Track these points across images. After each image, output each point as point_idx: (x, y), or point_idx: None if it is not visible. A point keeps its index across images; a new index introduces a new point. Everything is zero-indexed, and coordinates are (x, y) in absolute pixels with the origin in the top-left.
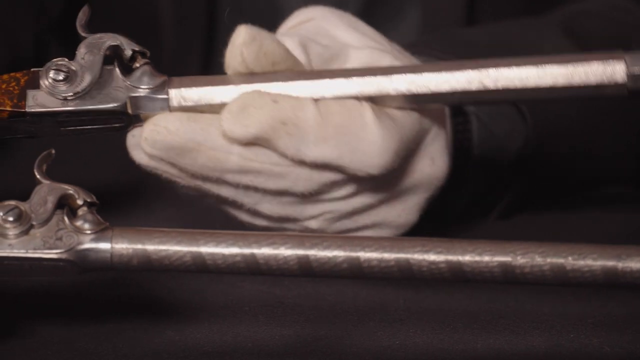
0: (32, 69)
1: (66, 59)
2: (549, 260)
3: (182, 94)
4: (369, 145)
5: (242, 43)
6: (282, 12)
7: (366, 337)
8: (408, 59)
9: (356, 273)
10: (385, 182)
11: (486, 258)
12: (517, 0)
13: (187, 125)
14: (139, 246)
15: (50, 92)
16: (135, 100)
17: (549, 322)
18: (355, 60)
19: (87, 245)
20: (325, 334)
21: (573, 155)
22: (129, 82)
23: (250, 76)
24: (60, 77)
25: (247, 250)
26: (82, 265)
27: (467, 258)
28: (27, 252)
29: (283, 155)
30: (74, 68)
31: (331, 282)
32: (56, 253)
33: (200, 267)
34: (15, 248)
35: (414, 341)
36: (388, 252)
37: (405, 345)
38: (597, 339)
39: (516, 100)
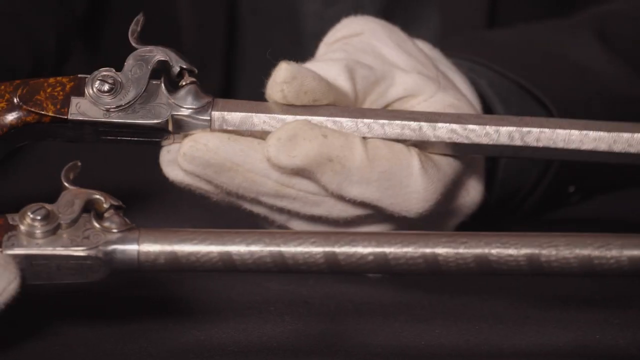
0: (78, 75)
1: (113, 70)
2: (576, 251)
3: (225, 117)
4: (412, 193)
5: (283, 81)
6: (301, 15)
7: (392, 338)
8: (451, 84)
9: (383, 268)
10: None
11: (512, 250)
12: (538, 5)
13: (227, 144)
14: (166, 245)
15: (94, 102)
16: (177, 119)
17: (575, 323)
18: (400, 85)
19: (114, 245)
20: (350, 334)
21: None
22: (173, 100)
23: (294, 107)
24: (105, 88)
25: (274, 248)
26: (109, 265)
27: (493, 250)
28: (54, 250)
29: (323, 188)
30: (119, 80)
31: (357, 282)
32: (83, 250)
33: (228, 266)
34: (42, 246)
35: (439, 342)
36: (414, 246)
37: (431, 346)
38: (624, 340)
39: (555, 159)
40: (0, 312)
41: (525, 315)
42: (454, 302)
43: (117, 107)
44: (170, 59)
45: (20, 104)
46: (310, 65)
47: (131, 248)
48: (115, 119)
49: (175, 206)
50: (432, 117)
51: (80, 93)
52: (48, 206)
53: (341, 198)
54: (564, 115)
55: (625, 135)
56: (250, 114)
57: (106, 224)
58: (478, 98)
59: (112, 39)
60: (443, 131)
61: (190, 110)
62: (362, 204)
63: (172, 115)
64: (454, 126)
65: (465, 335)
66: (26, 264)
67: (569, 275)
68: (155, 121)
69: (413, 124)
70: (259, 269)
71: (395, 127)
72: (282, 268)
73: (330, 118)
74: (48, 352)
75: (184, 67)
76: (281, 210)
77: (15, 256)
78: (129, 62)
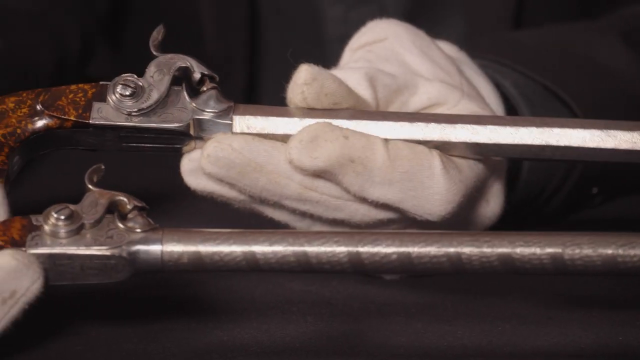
0: (100, 82)
1: (135, 76)
2: (599, 249)
3: (247, 122)
4: (434, 195)
5: (303, 83)
6: (323, 19)
7: (414, 338)
8: (475, 91)
9: (406, 267)
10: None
11: (536, 249)
12: (564, 8)
13: (251, 144)
14: (190, 245)
15: (116, 107)
16: (199, 123)
17: (598, 324)
18: (424, 94)
19: (138, 245)
20: (373, 334)
21: None
22: (194, 105)
23: (314, 111)
24: (127, 92)
25: (298, 248)
26: (132, 264)
27: (517, 249)
28: (78, 249)
29: (346, 190)
30: (141, 84)
31: (379, 283)
32: (107, 249)
33: (252, 265)
34: (66, 245)
35: (462, 342)
36: (438, 245)
37: (453, 347)
38: None
39: (576, 159)
40: (24, 311)
41: (547, 316)
42: (476, 303)
43: (139, 110)
44: (191, 66)
45: (42, 109)
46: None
47: (155, 248)
48: (137, 122)
49: (196, 209)
50: (453, 119)
51: (102, 99)
52: (72, 206)
53: (363, 200)
54: (589, 117)
55: None
56: (272, 117)
57: (130, 224)
58: (502, 102)
59: (134, 40)
60: (464, 131)
61: (212, 114)
62: (384, 206)
63: (194, 119)
64: (475, 126)
65: (488, 336)
66: (50, 264)
67: (592, 274)
68: (176, 124)
69: (434, 124)
70: (283, 268)
71: (416, 128)
72: (306, 267)
73: (351, 120)
74: (70, 352)
75: (205, 73)
76: (303, 215)
77: (38, 255)
78: (151, 68)
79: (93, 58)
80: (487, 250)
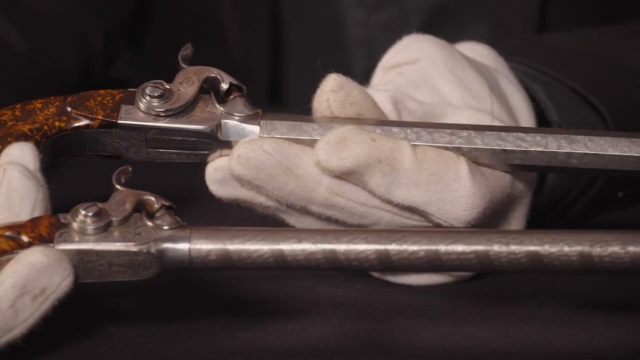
0: (128, 89)
1: (164, 81)
2: (628, 247)
3: (274, 126)
4: (459, 198)
5: (330, 90)
6: (345, 22)
7: (439, 341)
8: (505, 109)
9: (435, 264)
10: None
11: (564, 246)
12: (590, 13)
13: (282, 146)
14: (218, 243)
15: (144, 109)
16: (226, 126)
17: (623, 326)
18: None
19: (166, 242)
20: (397, 336)
21: None
22: (222, 109)
23: (339, 119)
24: (157, 94)
25: (327, 245)
26: (160, 261)
27: (545, 246)
28: (106, 245)
29: (371, 192)
30: (169, 88)
31: (404, 286)
32: (135, 245)
33: (280, 263)
34: (94, 242)
35: (486, 344)
36: (466, 242)
37: (478, 349)
38: None
39: (604, 170)
40: (53, 309)
41: (572, 319)
42: (501, 306)
43: (166, 111)
44: (220, 76)
45: (70, 109)
46: None
47: (182, 245)
48: (165, 123)
49: (223, 210)
50: (480, 127)
51: (130, 102)
52: (100, 204)
53: (389, 203)
54: (619, 122)
55: None
56: (298, 122)
57: (157, 222)
58: (534, 115)
59: (156, 41)
60: (491, 138)
61: (240, 118)
62: (409, 209)
63: (221, 122)
64: (502, 134)
65: (513, 338)
66: (78, 261)
67: (620, 272)
68: (203, 126)
69: (461, 131)
70: (311, 266)
71: (443, 135)
72: (334, 265)
73: (378, 126)
74: (96, 352)
75: (233, 83)
76: (328, 220)
77: (67, 252)
78: (179, 76)
79: (116, 59)
80: (515, 247)
